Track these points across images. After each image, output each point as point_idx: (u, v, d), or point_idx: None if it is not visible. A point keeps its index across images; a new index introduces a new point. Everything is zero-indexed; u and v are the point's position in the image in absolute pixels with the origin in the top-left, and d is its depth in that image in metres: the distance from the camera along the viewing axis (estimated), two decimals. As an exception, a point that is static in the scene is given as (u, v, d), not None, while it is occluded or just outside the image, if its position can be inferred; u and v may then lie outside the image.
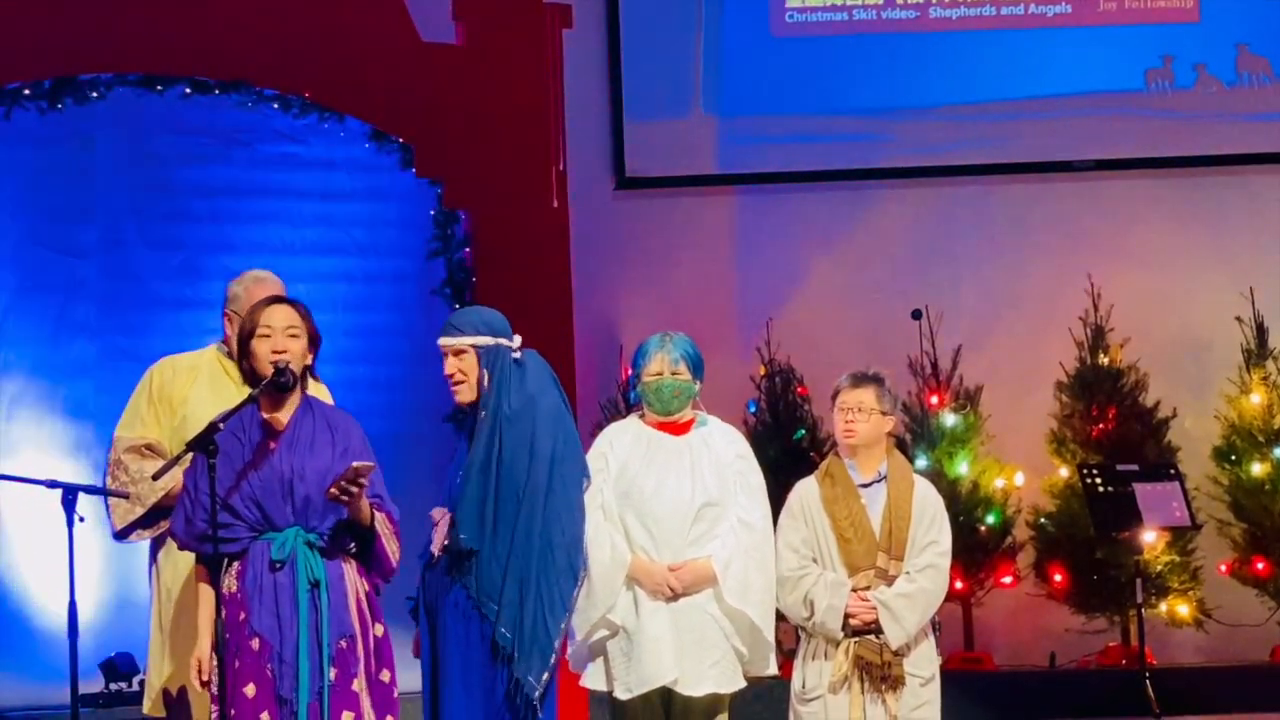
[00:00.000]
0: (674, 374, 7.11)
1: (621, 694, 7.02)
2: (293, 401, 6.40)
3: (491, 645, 6.50)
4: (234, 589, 6.28)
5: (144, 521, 6.91)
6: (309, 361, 6.46)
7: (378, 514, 6.34)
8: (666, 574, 7.00)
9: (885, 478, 7.19)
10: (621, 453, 7.12)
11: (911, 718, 7.07)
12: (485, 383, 6.60)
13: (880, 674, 7.02)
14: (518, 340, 6.67)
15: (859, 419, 7.15)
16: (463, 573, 6.54)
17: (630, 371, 7.34)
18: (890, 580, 7.08)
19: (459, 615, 6.55)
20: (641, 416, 7.23)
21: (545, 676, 6.48)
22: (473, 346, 6.63)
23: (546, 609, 6.48)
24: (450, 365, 6.66)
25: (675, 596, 7.01)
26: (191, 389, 6.97)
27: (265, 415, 6.36)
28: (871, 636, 7.05)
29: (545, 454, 6.56)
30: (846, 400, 7.18)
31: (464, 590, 6.52)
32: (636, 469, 7.08)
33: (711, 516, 7.06)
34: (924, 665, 7.13)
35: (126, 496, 6.85)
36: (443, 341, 6.68)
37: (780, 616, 7.21)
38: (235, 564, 6.30)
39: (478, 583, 6.49)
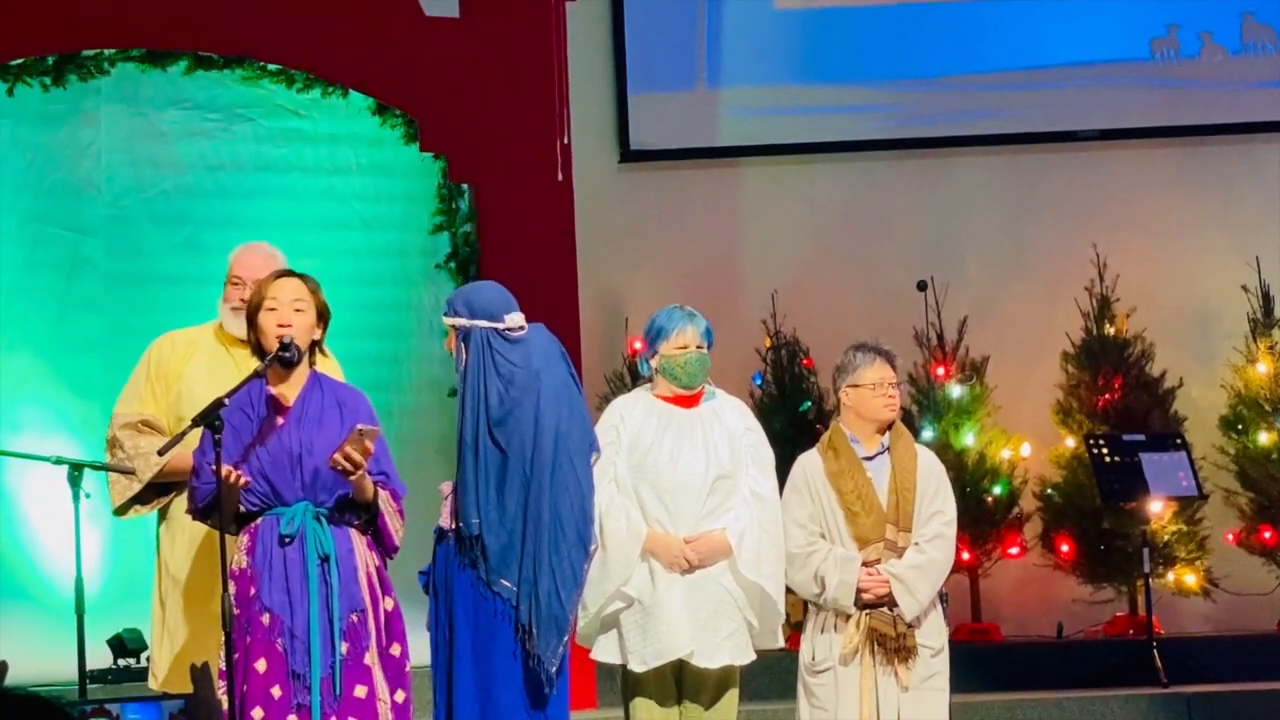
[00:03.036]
0: (699, 348, 7.13)
1: (636, 666, 7.02)
2: (300, 377, 6.40)
3: (512, 625, 6.47)
4: (243, 564, 6.28)
5: (142, 497, 6.91)
6: (317, 336, 6.45)
7: (381, 491, 6.33)
8: (683, 546, 7.00)
9: (888, 449, 7.20)
10: (634, 425, 7.12)
11: (923, 688, 7.08)
12: (461, 362, 6.60)
13: (894, 645, 7.03)
14: (514, 318, 6.64)
15: (896, 392, 7.22)
16: (472, 552, 6.51)
17: (644, 344, 7.31)
18: (899, 552, 7.09)
19: (471, 594, 6.51)
20: (650, 389, 7.22)
21: (560, 651, 6.48)
22: (451, 326, 6.64)
23: (559, 584, 6.46)
24: (447, 343, 6.70)
25: (691, 569, 7.02)
26: (188, 365, 6.96)
27: (273, 391, 6.37)
28: (885, 609, 7.05)
29: (550, 428, 6.53)
30: (885, 376, 7.20)
31: (474, 570, 6.49)
32: (650, 442, 7.08)
33: (725, 489, 7.06)
34: (934, 636, 7.14)
35: (132, 472, 6.85)
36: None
37: (789, 590, 7.21)
38: (244, 539, 6.31)
39: (487, 562, 6.47)
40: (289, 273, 6.53)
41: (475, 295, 6.69)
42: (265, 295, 6.39)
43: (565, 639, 6.52)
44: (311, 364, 6.46)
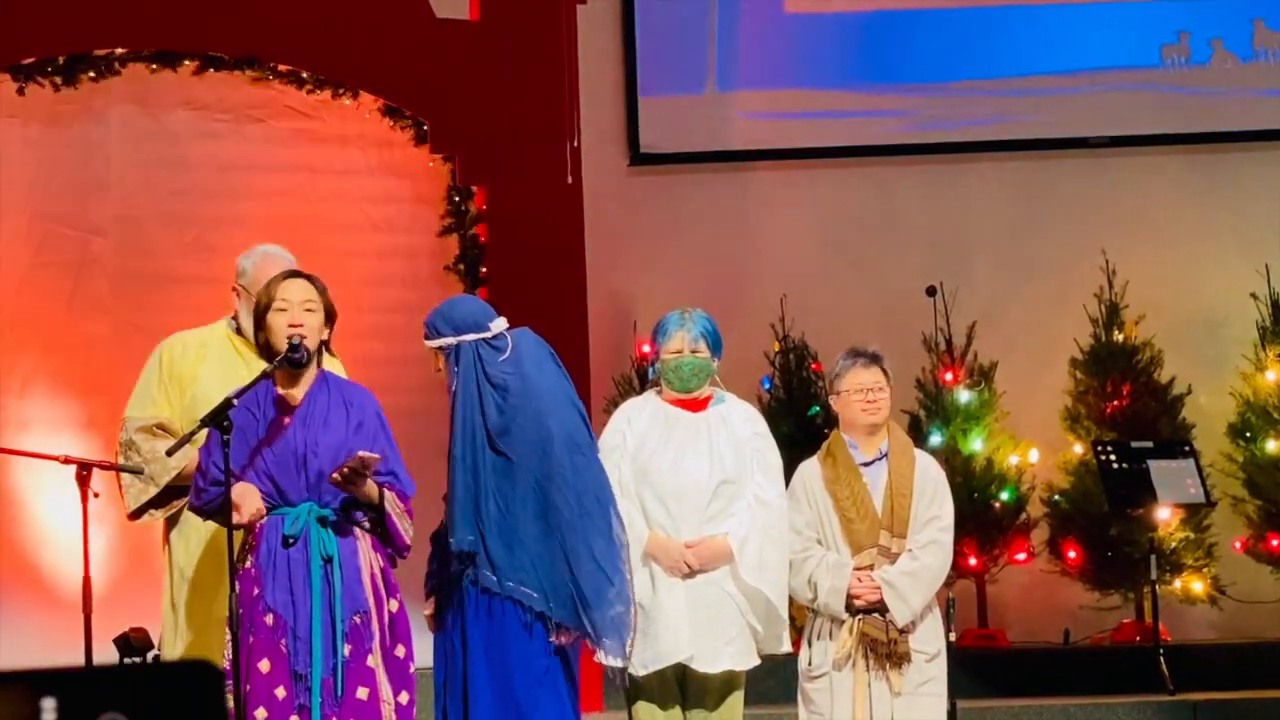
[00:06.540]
0: (694, 352, 7.10)
1: (637, 670, 7.01)
2: (308, 377, 6.40)
3: (530, 631, 6.45)
4: (247, 564, 6.28)
5: (157, 501, 6.91)
6: (325, 336, 6.46)
7: (388, 492, 6.32)
8: (683, 551, 6.99)
9: (886, 455, 7.19)
10: (639, 428, 7.10)
11: (917, 693, 7.07)
12: (453, 381, 6.59)
13: (885, 651, 7.02)
14: (498, 324, 6.64)
15: (880, 397, 7.18)
16: (469, 566, 6.50)
17: (651, 347, 7.32)
18: (894, 558, 7.08)
19: (484, 602, 6.50)
20: (658, 393, 7.22)
21: (628, 648, 6.49)
22: (437, 349, 6.63)
23: (609, 575, 6.44)
24: (434, 366, 6.70)
25: (692, 573, 7.01)
26: (201, 366, 6.95)
27: (280, 391, 6.37)
28: (877, 615, 7.05)
29: (558, 430, 6.51)
30: (863, 380, 7.18)
31: (476, 586, 6.47)
32: (654, 446, 7.06)
33: (729, 494, 7.05)
34: (929, 641, 7.13)
35: (140, 472, 6.85)
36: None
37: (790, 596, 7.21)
38: (249, 539, 6.31)
39: (496, 569, 6.43)
40: (297, 273, 6.53)
41: (455, 311, 6.67)
42: (275, 296, 6.39)
43: (629, 634, 6.51)
44: (319, 364, 6.46)
